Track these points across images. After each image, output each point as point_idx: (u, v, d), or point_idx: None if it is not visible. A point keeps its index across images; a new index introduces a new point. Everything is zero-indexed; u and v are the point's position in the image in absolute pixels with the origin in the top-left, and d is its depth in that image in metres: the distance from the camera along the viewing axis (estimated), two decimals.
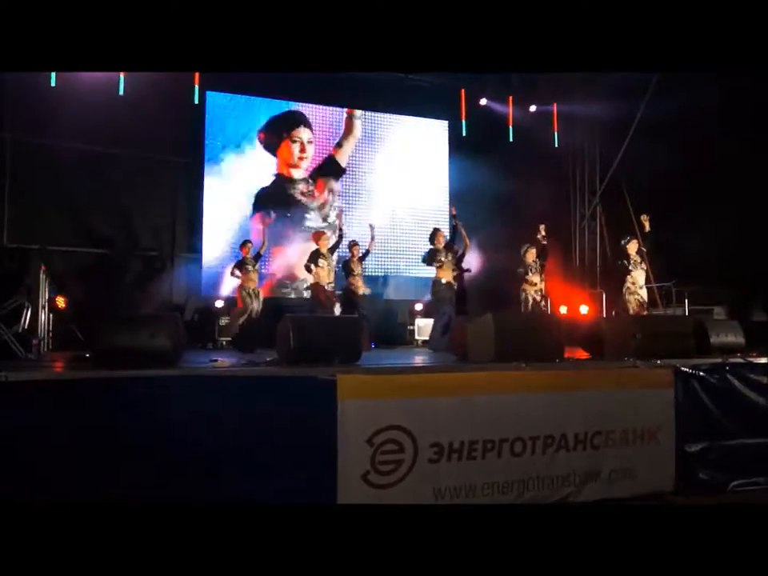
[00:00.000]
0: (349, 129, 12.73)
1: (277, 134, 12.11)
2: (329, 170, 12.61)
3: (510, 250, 10.52)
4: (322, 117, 12.93)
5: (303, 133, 12.20)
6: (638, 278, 9.43)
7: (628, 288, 9.43)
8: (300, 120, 12.14)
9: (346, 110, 12.72)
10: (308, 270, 9.77)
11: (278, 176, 12.45)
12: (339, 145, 12.67)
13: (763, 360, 5.77)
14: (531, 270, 9.75)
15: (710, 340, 6.18)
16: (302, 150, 12.07)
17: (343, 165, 12.74)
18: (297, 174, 12.37)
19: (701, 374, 5.44)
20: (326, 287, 9.66)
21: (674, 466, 5.31)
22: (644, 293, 9.48)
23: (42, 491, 3.79)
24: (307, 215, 12.41)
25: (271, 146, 12.23)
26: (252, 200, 12.32)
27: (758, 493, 5.30)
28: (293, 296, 12.40)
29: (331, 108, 13.02)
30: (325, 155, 12.73)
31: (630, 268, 9.42)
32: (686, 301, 10.76)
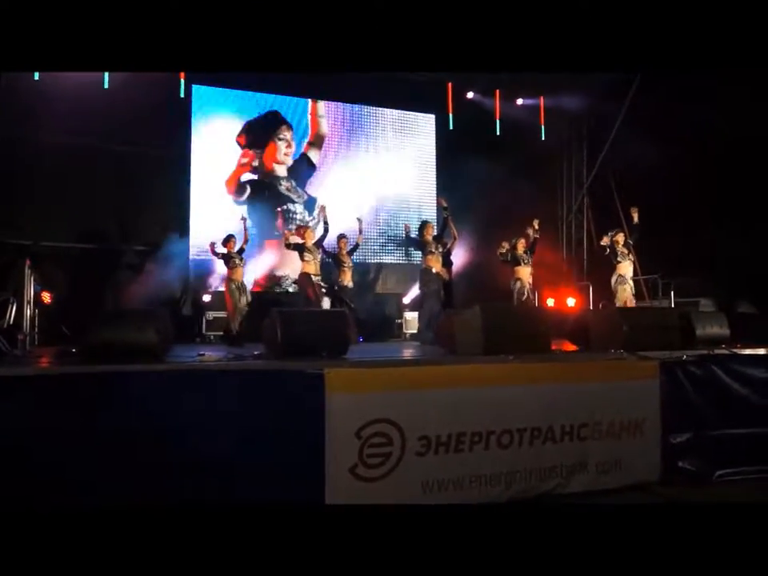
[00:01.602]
0: (315, 127, 12.93)
1: (262, 134, 12.42)
2: (302, 167, 12.86)
3: (498, 242, 10.55)
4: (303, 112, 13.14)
5: (287, 131, 12.58)
6: (626, 269, 9.48)
7: (617, 278, 9.47)
8: (281, 119, 12.51)
9: (310, 107, 12.89)
10: (288, 247, 10.09)
11: (263, 173, 12.61)
12: (310, 143, 12.91)
13: (748, 351, 5.82)
14: (522, 261, 9.82)
15: (696, 332, 6.22)
16: (288, 146, 12.46)
17: (315, 161, 12.94)
18: (280, 170, 12.63)
19: (686, 365, 5.47)
20: (313, 281, 9.69)
21: (660, 457, 5.34)
22: (631, 284, 9.54)
23: (27, 487, 3.79)
24: (294, 209, 12.62)
25: (256, 147, 12.46)
26: (239, 192, 12.42)
27: (742, 482, 5.34)
28: (279, 290, 12.45)
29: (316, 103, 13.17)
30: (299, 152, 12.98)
31: (619, 259, 9.48)
32: (672, 293, 10.81)
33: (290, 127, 12.66)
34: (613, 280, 9.55)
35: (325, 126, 12.91)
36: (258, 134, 12.48)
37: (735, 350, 5.82)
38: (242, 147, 12.52)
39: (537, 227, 10.02)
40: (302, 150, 12.96)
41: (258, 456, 4.25)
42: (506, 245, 10.15)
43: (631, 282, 9.52)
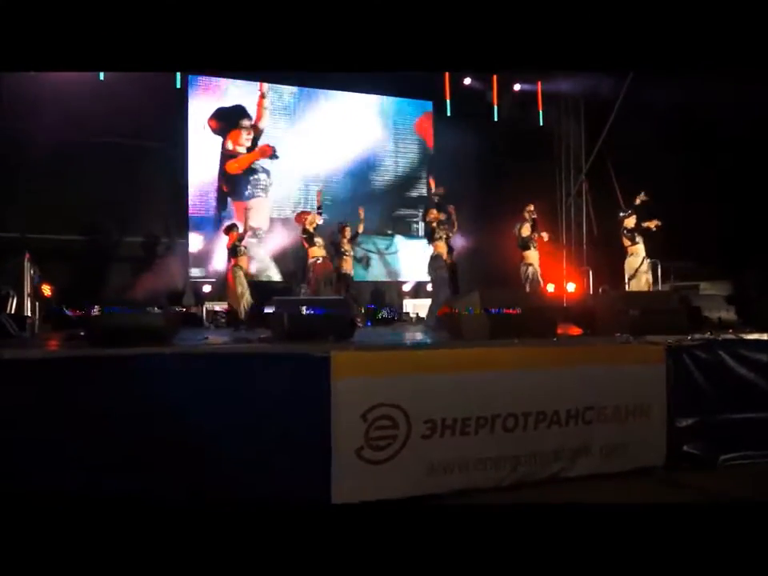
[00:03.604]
0: (260, 114, 13.69)
1: (227, 122, 13.29)
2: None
3: (497, 228, 10.54)
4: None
5: (246, 121, 13.46)
6: (642, 252, 9.32)
7: (641, 261, 9.27)
8: (244, 112, 13.44)
9: (259, 93, 13.61)
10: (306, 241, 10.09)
11: (226, 150, 13.22)
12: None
13: (754, 336, 5.80)
14: (532, 246, 9.77)
15: (702, 316, 6.21)
16: (248, 134, 13.45)
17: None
18: (240, 149, 13.39)
19: (692, 349, 5.45)
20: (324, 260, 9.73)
21: (665, 441, 5.32)
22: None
23: (34, 472, 3.77)
24: (258, 177, 13.45)
25: (222, 131, 13.25)
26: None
27: (748, 467, 5.35)
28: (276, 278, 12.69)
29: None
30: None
31: (637, 241, 9.28)
32: (672, 276, 10.81)
33: (249, 117, 13.47)
34: (633, 264, 9.30)
35: (268, 112, 13.81)
36: (226, 121, 13.26)
37: (742, 335, 5.80)
38: (213, 131, 13.12)
39: (532, 207, 9.99)
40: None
41: (265, 438, 4.26)
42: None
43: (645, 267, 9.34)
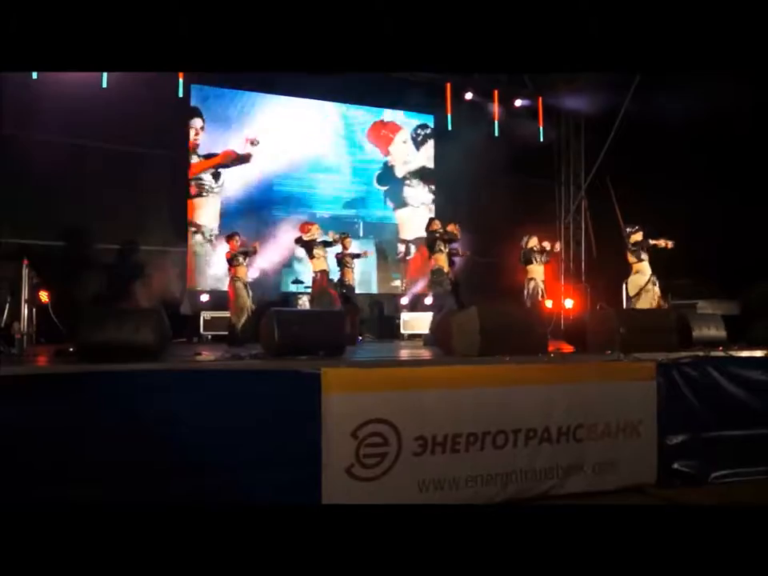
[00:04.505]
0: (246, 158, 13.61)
1: (180, 122, 13.00)
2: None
3: (497, 244, 10.56)
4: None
5: (197, 122, 13.18)
6: (648, 268, 9.10)
7: (649, 278, 9.00)
8: (196, 112, 13.21)
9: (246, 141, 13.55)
10: (298, 241, 10.00)
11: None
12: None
13: (744, 353, 5.81)
14: (535, 259, 9.72)
15: (693, 333, 6.23)
16: (197, 134, 13.14)
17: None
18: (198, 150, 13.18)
19: (682, 367, 5.45)
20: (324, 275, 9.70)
21: (656, 459, 5.32)
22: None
23: (24, 488, 3.78)
24: (202, 177, 13.18)
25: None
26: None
27: (738, 484, 5.34)
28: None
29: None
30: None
31: (642, 257, 9.17)
32: (670, 295, 10.79)
33: (201, 117, 13.24)
34: (639, 281, 9.05)
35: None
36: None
37: (731, 352, 5.82)
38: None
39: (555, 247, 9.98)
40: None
41: (254, 456, 4.23)
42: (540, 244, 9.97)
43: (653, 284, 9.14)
